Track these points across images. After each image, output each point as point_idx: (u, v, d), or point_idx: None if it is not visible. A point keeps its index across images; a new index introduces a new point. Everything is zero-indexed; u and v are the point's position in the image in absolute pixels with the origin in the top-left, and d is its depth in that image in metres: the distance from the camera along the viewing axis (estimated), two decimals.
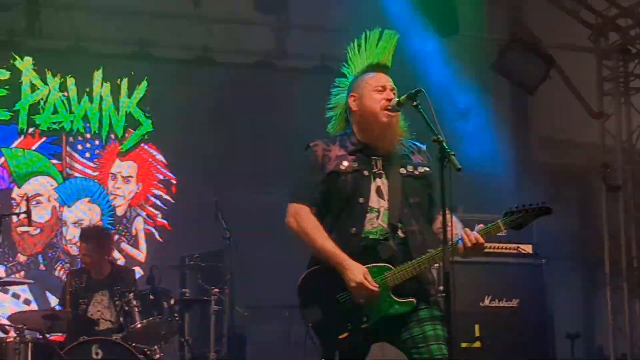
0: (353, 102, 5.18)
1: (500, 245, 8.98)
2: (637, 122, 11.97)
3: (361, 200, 5.01)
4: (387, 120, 5.07)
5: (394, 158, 5.15)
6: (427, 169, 5.20)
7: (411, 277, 4.94)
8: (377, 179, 5.09)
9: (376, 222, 5.01)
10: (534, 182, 12.95)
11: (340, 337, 5.00)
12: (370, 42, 5.30)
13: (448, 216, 4.69)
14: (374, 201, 5.04)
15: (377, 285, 4.89)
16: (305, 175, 5.19)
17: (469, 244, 4.94)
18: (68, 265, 10.63)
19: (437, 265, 5.09)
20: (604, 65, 12.09)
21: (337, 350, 4.99)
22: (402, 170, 5.11)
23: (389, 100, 5.05)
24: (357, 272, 4.88)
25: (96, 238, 8.99)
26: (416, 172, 5.14)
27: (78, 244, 9.26)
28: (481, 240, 4.94)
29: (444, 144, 4.70)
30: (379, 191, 5.06)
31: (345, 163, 5.06)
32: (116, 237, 10.83)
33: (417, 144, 5.27)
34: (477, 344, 8.77)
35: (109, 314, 8.60)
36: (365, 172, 5.07)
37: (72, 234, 10.77)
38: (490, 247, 8.89)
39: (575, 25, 11.95)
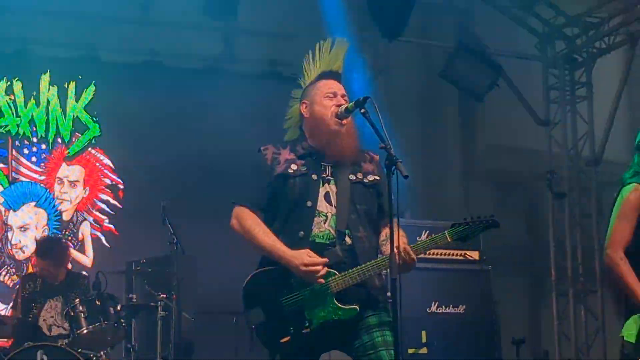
0: (304, 109, 5.20)
1: (447, 251, 9.04)
2: (583, 130, 12.09)
3: (309, 203, 5.02)
4: (336, 127, 5.09)
5: (343, 164, 5.16)
6: (377, 178, 5.21)
7: (356, 283, 4.96)
8: (326, 184, 5.10)
9: (324, 226, 5.02)
10: (481, 189, 13.06)
11: (282, 340, 5.00)
12: (322, 51, 5.34)
13: (395, 223, 4.71)
14: (322, 206, 5.05)
15: (323, 269, 4.90)
16: (252, 178, 5.21)
17: (400, 261, 4.87)
18: (13, 270, 10.53)
19: (384, 272, 5.12)
20: (551, 74, 12.22)
21: (278, 354, 5.00)
22: (352, 177, 5.13)
23: (339, 106, 5.07)
24: (299, 256, 4.89)
25: (53, 254, 8.95)
26: (366, 180, 5.16)
27: (33, 258, 9.20)
28: (411, 258, 4.90)
29: (392, 151, 4.73)
30: (327, 196, 5.08)
31: (294, 166, 5.08)
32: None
33: (371, 153, 5.28)
34: (424, 350, 8.81)
35: (60, 321, 8.56)
36: (314, 176, 5.09)
37: (18, 238, 10.68)
38: (437, 254, 8.99)
39: (523, 33, 12.05)
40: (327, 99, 5.12)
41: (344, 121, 5.07)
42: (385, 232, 5.00)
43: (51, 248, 9.12)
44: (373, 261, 4.96)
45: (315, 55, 5.34)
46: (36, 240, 9.85)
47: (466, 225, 5.12)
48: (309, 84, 5.29)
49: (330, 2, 10.83)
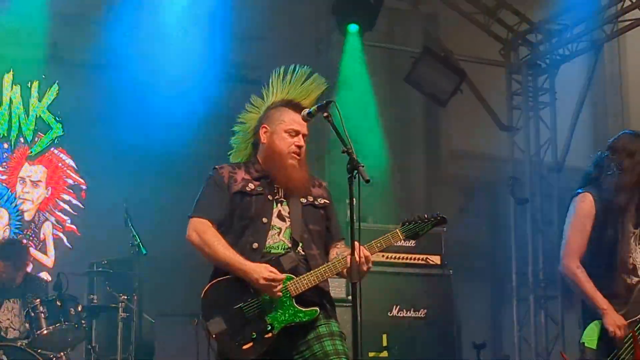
0: (264, 134, 5.30)
1: (409, 255, 9.09)
2: (545, 136, 12.17)
3: (264, 220, 5.17)
4: (292, 162, 5.22)
5: (295, 188, 5.27)
6: (327, 201, 5.40)
7: (314, 285, 5.02)
8: (279, 205, 5.25)
9: (278, 237, 5.17)
10: (444, 194, 13.12)
11: (244, 347, 5.02)
12: (297, 77, 5.40)
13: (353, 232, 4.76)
14: (275, 222, 5.20)
15: (282, 278, 4.97)
16: (209, 193, 5.29)
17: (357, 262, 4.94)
18: None
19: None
20: (514, 80, 12.29)
21: None
22: (303, 200, 5.30)
23: (299, 147, 5.21)
24: (259, 270, 4.97)
25: (13, 256, 8.92)
26: (316, 203, 5.34)
27: None
28: (368, 258, 4.99)
29: (354, 155, 4.78)
30: (280, 215, 5.24)
31: (251, 186, 5.23)
32: (24, 241, 10.74)
33: (319, 179, 5.50)
34: (385, 354, 8.85)
35: (19, 323, 8.51)
36: (269, 197, 5.24)
37: None
38: (399, 258, 9.03)
39: (487, 39, 12.11)
40: (288, 136, 5.24)
41: (301, 150, 5.18)
42: (334, 251, 5.26)
43: (11, 250, 9.09)
44: (329, 263, 5.08)
45: (288, 75, 5.39)
46: None
47: (416, 222, 5.28)
48: (272, 106, 5.37)
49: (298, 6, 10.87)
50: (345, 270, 5.02)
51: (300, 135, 5.24)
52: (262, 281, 4.93)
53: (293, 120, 5.24)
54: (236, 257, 5.04)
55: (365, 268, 4.91)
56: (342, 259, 5.02)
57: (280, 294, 4.96)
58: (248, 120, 5.42)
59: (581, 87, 11.88)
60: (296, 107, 5.31)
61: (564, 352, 11.19)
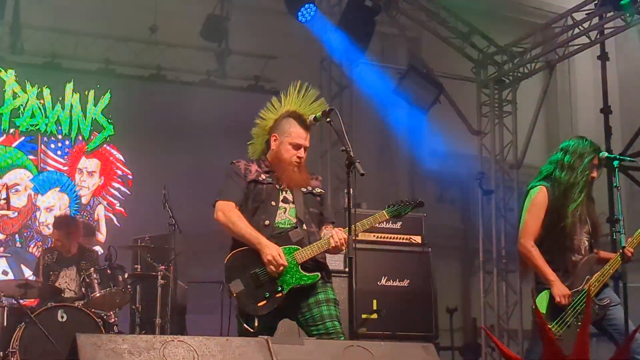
0: (273, 142, 5.46)
1: (396, 236, 9.11)
2: (508, 139, 12.17)
3: (273, 203, 5.31)
4: (293, 168, 5.35)
5: (295, 186, 5.39)
6: (322, 191, 5.54)
7: (316, 255, 5.12)
8: (284, 193, 5.35)
9: (284, 215, 5.31)
10: (424, 186, 13.13)
11: (259, 304, 5.08)
12: (308, 95, 5.48)
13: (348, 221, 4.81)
14: (282, 205, 5.31)
15: (287, 262, 5.04)
16: (230, 181, 5.38)
17: (334, 244, 5.15)
18: (40, 243, 10.53)
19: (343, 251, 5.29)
20: (483, 92, 12.29)
21: (255, 317, 5.07)
22: (304, 190, 5.41)
23: (300, 158, 5.33)
24: (272, 248, 5.08)
25: (66, 227, 8.95)
26: (314, 192, 5.50)
27: (54, 232, 9.19)
28: (342, 243, 5.15)
29: (351, 153, 4.87)
30: (285, 199, 5.34)
31: (264, 176, 5.36)
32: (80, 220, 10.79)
33: (316, 175, 5.60)
34: (374, 316, 8.84)
35: (74, 286, 8.55)
36: (277, 186, 5.34)
37: (45, 217, 10.67)
38: (387, 238, 9.06)
39: (461, 59, 12.11)
40: (292, 148, 5.35)
41: (303, 159, 5.25)
42: (324, 231, 5.37)
43: (65, 222, 9.14)
44: (324, 239, 5.20)
45: (302, 91, 5.46)
46: (55, 217, 9.84)
47: (399, 205, 5.43)
48: (285, 114, 5.45)
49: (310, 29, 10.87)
50: (331, 246, 5.17)
51: (302, 149, 5.35)
52: (269, 257, 5.05)
53: (298, 135, 5.36)
54: (255, 233, 5.14)
55: (343, 248, 5.13)
56: (329, 237, 5.14)
57: (280, 270, 5.05)
58: (267, 117, 5.51)
59: (537, 99, 11.87)
60: (303, 122, 5.39)
61: (522, 315, 11.24)
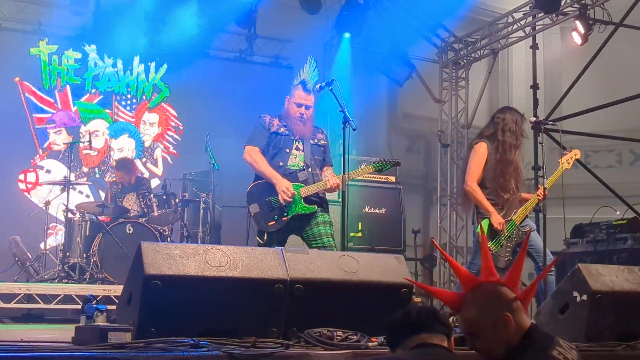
0: (286, 102, 5.42)
1: (377, 176, 9.14)
2: (461, 106, 12.14)
3: (287, 150, 5.34)
4: (297, 122, 5.40)
5: (301, 136, 5.45)
6: (325, 142, 5.60)
7: (316, 192, 5.16)
8: (296, 142, 5.39)
9: (295, 160, 5.31)
10: (398, 140, 13.14)
11: (269, 224, 5.12)
12: (311, 65, 5.52)
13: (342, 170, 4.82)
14: (294, 152, 5.30)
15: (295, 193, 5.08)
16: (258, 130, 5.41)
17: (329, 186, 5.23)
18: (113, 174, 10.55)
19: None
20: (444, 71, 12.23)
21: (265, 233, 5.12)
22: (311, 141, 5.37)
23: (302, 113, 5.37)
24: (285, 182, 5.18)
25: (125, 167, 9.02)
26: (319, 143, 5.46)
27: (115, 170, 9.27)
28: (335, 185, 5.19)
29: (346, 113, 4.86)
30: (297, 148, 5.39)
31: (283, 129, 5.35)
32: (144, 159, 10.79)
33: (322, 128, 5.64)
34: (360, 234, 8.92)
35: (136, 207, 8.61)
36: (292, 137, 5.40)
37: (117, 155, 10.65)
38: (371, 177, 9.09)
39: (429, 46, 12.03)
40: (296, 106, 5.29)
41: (305, 116, 5.22)
42: (325, 172, 5.46)
43: (123, 164, 9.21)
44: (323, 180, 5.27)
45: (312, 65, 5.51)
46: (115, 160, 9.88)
47: (381, 162, 5.54)
48: (296, 84, 5.48)
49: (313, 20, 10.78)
50: (327, 187, 5.24)
51: (304, 107, 5.33)
52: (283, 188, 5.09)
53: (300, 96, 5.38)
54: (272, 171, 5.19)
55: (336, 189, 5.22)
56: (327, 180, 5.18)
57: (290, 199, 5.07)
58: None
59: (484, 77, 11.83)
60: (305, 87, 5.41)
61: (466, 237, 11.31)
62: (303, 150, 5.37)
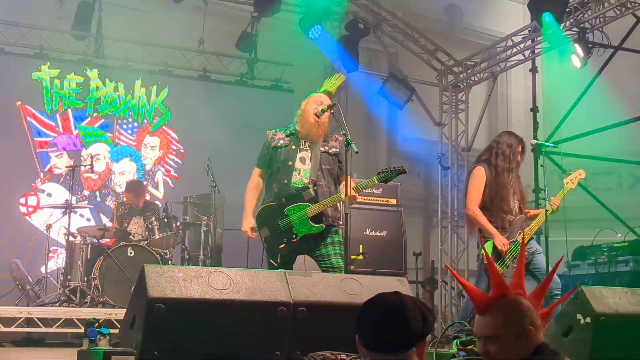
0: (304, 104, 5.31)
1: (377, 199, 9.13)
2: (461, 129, 12.13)
3: (290, 163, 5.19)
4: (313, 120, 5.19)
5: (312, 140, 5.26)
6: (337, 150, 5.34)
7: (322, 210, 5.09)
8: (302, 152, 5.24)
9: (298, 177, 5.21)
10: (398, 162, 13.05)
11: (280, 247, 5.08)
12: (327, 80, 5.48)
13: (349, 180, 4.81)
14: (298, 165, 5.21)
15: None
16: (262, 150, 5.37)
17: (344, 198, 5.04)
18: (114, 198, 10.54)
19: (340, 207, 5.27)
20: (444, 94, 12.25)
21: (278, 255, 5.07)
22: (322, 149, 5.26)
23: (319, 109, 5.20)
24: (245, 223, 5.24)
25: (135, 190, 9.00)
26: (330, 151, 5.30)
27: (125, 193, 9.24)
28: (354, 196, 5.01)
29: (348, 136, 4.83)
30: (302, 159, 5.23)
31: (282, 142, 5.27)
32: (145, 183, 10.79)
33: (337, 135, 5.37)
34: (361, 257, 8.89)
35: (141, 231, 8.58)
36: (293, 147, 5.24)
37: (118, 179, 10.68)
38: (372, 200, 9.07)
39: (429, 69, 12.07)
40: (315, 104, 5.22)
41: (320, 119, 5.17)
42: (342, 183, 5.19)
43: (133, 186, 9.17)
44: (330, 197, 5.10)
45: (325, 83, 5.46)
46: (126, 182, 9.87)
47: (386, 172, 5.23)
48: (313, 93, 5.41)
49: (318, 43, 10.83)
50: (337, 202, 5.15)
51: (321, 102, 5.26)
52: (244, 228, 5.22)
53: (320, 97, 5.29)
54: (247, 205, 5.28)
55: (355, 199, 4.98)
56: (336, 195, 5.09)
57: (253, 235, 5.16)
58: (301, 107, 5.42)
59: (484, 100, 11.85)
60: (324, 92, 5.37)
61: (467, 260, 11.27)
62: (311, 160, 5.26)
